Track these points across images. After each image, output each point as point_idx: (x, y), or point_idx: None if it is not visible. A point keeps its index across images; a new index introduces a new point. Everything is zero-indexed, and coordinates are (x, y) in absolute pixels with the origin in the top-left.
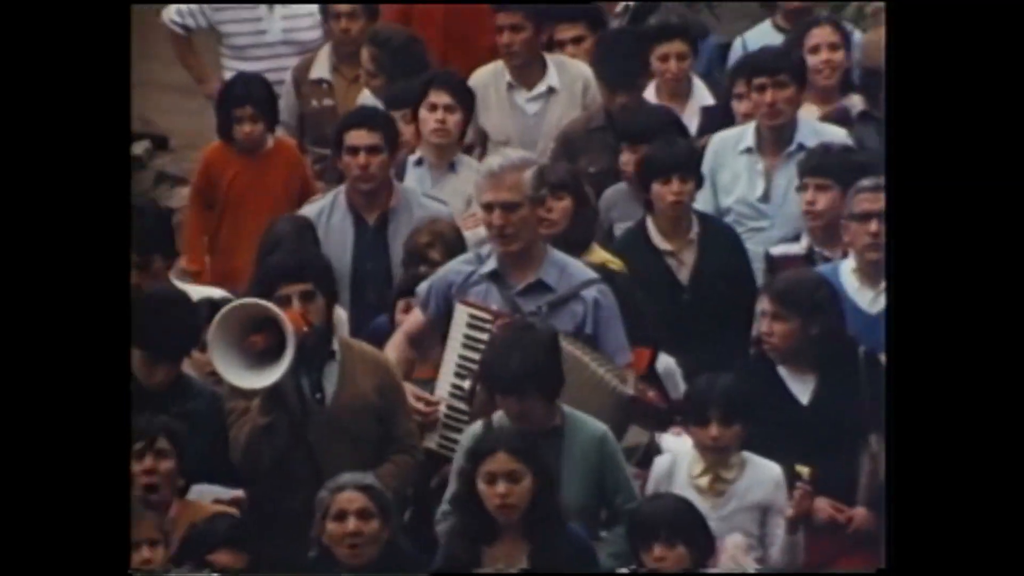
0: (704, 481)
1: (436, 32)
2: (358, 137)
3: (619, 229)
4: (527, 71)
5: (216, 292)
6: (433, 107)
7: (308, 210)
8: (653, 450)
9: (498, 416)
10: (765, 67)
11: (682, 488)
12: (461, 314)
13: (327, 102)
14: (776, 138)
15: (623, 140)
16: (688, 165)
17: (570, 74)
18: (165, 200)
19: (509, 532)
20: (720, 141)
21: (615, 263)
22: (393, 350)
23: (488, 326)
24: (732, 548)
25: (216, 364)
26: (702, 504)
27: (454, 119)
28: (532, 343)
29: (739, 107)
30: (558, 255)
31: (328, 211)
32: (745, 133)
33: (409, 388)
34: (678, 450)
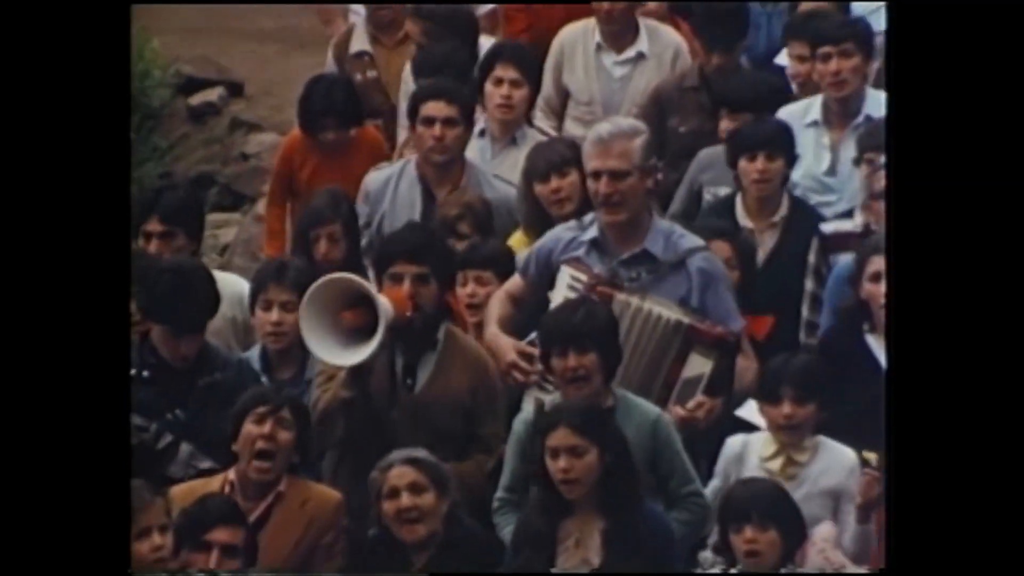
0: (776, 464)
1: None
2: (435, 108)
3: (708, 193)
4: (619, 34)
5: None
6: (499, 81)
7: (374, 176)
8: (717, 379)
9: (549, 400)
10: (830, 36)
11: (753, 471)
12: (564, 276)
13: (371, 74)
14: (843, 110)
15: (723, 106)
16: (776, 143)
17: (662, 41)
18: (241, 147)
19: (583, 506)
20: (786, 115)
21: None
22: (496, 303)
23: (584, 289)
24: (821, 541)
25: (304, 334)
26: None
27: (520, 94)
28: (596, 305)
29: (798, 68)
30: (665, 223)
31: (396, 179)
32: (811, 106)
33: (513, 343)
34: (748, 436)
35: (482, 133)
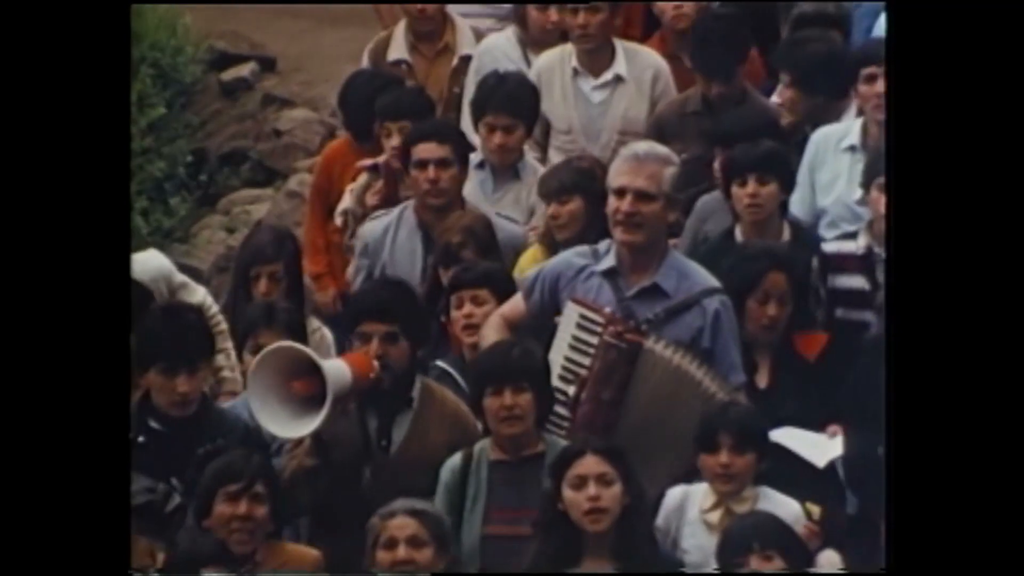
0: (715, 516)
1: None
2: (427, 150)
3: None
4: (596, 57)
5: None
6: (492, 128)
7: (371, 227)
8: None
9: (479, 446)
10: (877, 55)
11: (693, 523)
12: (572, 313)
13: (408, 84)
14: (884, 135)
15: (716, 142)
16: (767, 166)
17: (639, 63)
18: (273, 123)
19: (595, 550)
20: (822, 137)
21: None
22: (492, 331)
23: (599, 329)
24: (828, 565)
25: (253, 407)
26: (713, 541)
27: (515, 137)
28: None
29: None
30: (680, 259)
31: (395, 227)
32: (850, 129)
33: None
34: (688, 487)
35: (481, 165)
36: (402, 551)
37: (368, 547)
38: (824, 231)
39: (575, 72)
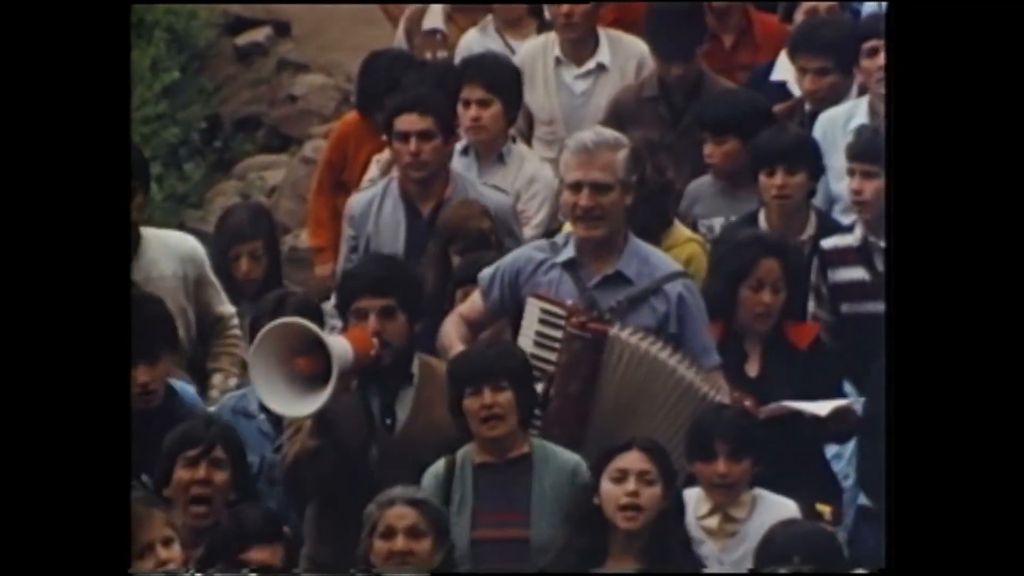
0: (713, 522)
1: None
2: (408, 122)
3: (703, 226)
4: (579, 46)
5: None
6: (467, 103)
7: (357, 199)
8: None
9: (462, 451)
10: (878, 28)
11: (689, 530)
12: (533, 308)
13: (441, 54)
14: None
15: (705, 129)
16: (796, 156)
17: (623, 51)
18: (288, 88)
19: (623, 549)
20: (828, 120)
21: (695, 240)
22: (453, 328)
23: (561, 323)
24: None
25: (255, 384)
26: (712, 547)
27: (490, 112)
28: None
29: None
30: (640, 245)
31: (379, 200)
32: (856, 109)
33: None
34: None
35: (466, 151)
36: (400, 541)
37: (364, 535)
38: (839, 216)
39: (557, 61)
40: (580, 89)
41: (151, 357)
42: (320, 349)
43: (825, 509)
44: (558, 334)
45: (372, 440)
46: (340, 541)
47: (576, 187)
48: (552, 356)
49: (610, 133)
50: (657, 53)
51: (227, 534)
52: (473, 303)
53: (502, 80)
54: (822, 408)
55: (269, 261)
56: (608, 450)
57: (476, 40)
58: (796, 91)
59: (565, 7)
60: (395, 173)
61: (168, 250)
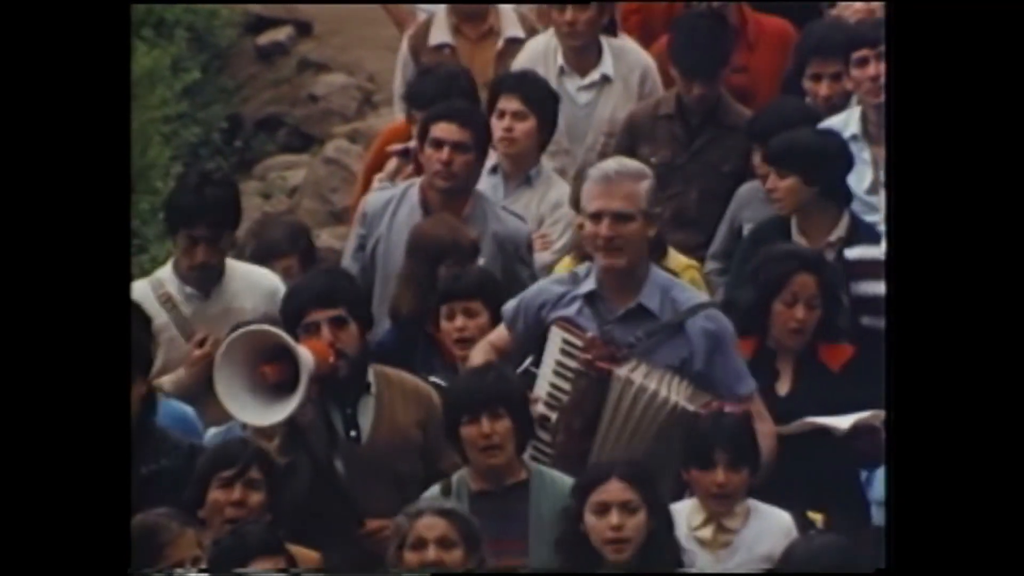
0: (707, 533)
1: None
2: (446, 130)
3: (748, 230)
4: (583, 56)
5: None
6: (501, 114)
7: (374, 198)
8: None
9: (457, 476)
10: (865, 38)
11: (683, 542)
12: (555, 338)
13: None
14: (882, 120)
15: (755, 140)
16: (782, 158)
17: (627, 62)
18: (309, 88)
19: (616, 570)
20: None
21: (693, 266)
22: (482, 355)
23: (578, 353)
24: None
25: (220, 394)
26: (706, 558)
27: (524, 127)
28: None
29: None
30: (662, 276)
31: (396, 203)
32: (850, 119)
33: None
34: (674, 506)
35: (495, 170)
36: (432, 552)
37: (394, 547)
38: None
39: (561, 71)
40: (583, 100)
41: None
42: (286, 356)
43: (817, 517)
44: (574, 365)
45: (336, 453)
46: (329, 551)
47: (597, 216)
48: (568, 386)
49: (633, 164)
50: (680, 69)
51: (228, 550)
52: (500, 332)
53: (540, 97)
54: (844, 422)
55: None
56: (587, 481)
57: (531, 64)
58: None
59: (569, 15)
60: (416, 179)
61: (251, 286)
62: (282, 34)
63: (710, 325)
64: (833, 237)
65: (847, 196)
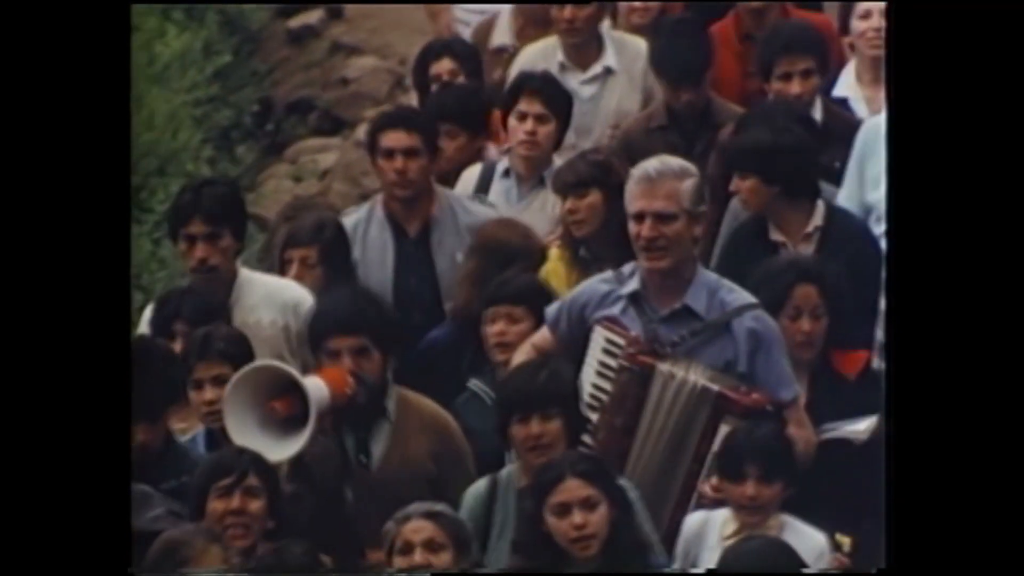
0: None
1: None
2: (394, 139)
3: (725, 229)
4: (583, 50)
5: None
6: (523, 116)
7: (343, 223)
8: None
9: (505, 472)
10: None
11: (713, 550)
12: (598, 337)
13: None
14: (880, 73)
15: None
16: (742, 161)
17: (629, 53)
18: (340, 71)
19: (582, 567)
20: (872, 127)
21: None
22: (523, 359)
23: (619, 351)
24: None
25: (230, 431)
26: None
27: (546, 130)
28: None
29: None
30: (710, 276)
31: (365, 223)
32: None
33: None
34: (709, 513)
35: (507, 173)
36: (418, 556)
37: (384, 554)
38: (874, 226)
39: (562, 67)
40: (587, 94)
41: (153, 416)
42: (296, 390)
43: (845, 540)
44: (615, 364)
45: (347, 480)
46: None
47: (639, 217)
48: (610, 387)
49: (676, 162)
50: (666, 79)
51: (268, 568)
52: (543, 334)
53: (560, 101)
54: (859, 424)
55: (325, 272)
56: (544, 482)
57: (531, 61)
58: (860, 109)
59: (568, 12)
60: (376, 196)
61: (269, 298)
62: (313, 17)
63: (756, 326)
64: (810, 227)
65: (814, 191)
